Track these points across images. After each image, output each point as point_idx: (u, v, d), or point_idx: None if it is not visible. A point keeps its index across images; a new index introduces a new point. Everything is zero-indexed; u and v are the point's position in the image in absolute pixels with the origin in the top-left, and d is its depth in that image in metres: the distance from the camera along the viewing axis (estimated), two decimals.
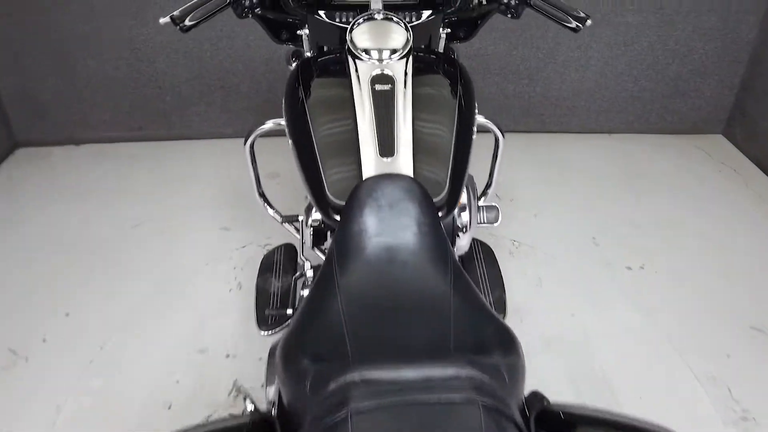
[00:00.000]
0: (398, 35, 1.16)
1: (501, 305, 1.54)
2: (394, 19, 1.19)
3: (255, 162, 1.52)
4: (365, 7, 1.27)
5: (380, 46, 1.15)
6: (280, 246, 1.66)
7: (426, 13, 1.31)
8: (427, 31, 1.36)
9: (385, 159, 1.03)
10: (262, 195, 1.61)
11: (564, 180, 2.67)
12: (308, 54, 1.42)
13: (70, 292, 1.99)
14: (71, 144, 2.89)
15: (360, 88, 1.11)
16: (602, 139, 3.03)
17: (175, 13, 1.06)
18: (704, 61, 2.83)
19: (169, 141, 2.93)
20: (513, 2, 1.16)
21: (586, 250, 2.26)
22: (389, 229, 0.93)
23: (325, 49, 1.42)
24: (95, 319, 1.89)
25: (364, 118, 1.07)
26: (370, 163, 1.02)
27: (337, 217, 0.98)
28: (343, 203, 0.97)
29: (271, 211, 1.63)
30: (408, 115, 1.09)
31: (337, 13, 1.28)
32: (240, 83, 2.80)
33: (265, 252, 2.12)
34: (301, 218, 1.62)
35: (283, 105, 1.20)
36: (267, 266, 1.60)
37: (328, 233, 1.30)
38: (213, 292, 1.98)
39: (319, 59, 1.25)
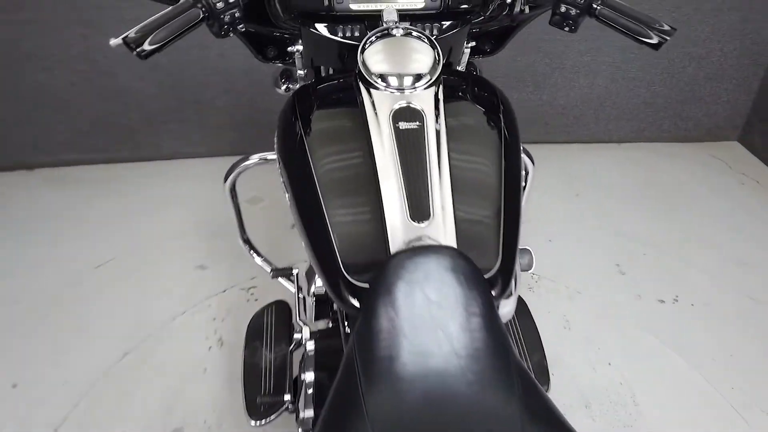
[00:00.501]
0: (424, 56, 0.89)
1: (543, 372, 1.28)
2: (415, 33, 0.91)
3: (237, 204, 1.25)
4: (374, 18, 1.00)
5: (402, 71, 0.87)
6: (270, 305, 1.38)
7: (450, 24, 1.04)
8: (447, 46, 1.09)
9: (418, 224, 0.77)
10: (247, 242, 1.33)
11: (576, 196, 2.43)
12: (301, 72, 1.15)
13: (18, 358, 1.68)
14: (23, 169, 2.55)
15: (379, 127, 0.84)
16: (611, 149, 2.80)
17: (130, 33, 0.76)
18: (722, 63, 2.61)
19: (135, 163, 2.60)
20: (572, 11, 0.90)
21: (612, 280, 2.02)
22: (432, 324, 0.69)
23: (323, 70, 1.14)
24: (48, 391, 1.57)
25: (387, 167, 0.81)
26: (399, 231, 0.77)
27: (357, 302, 0.74)
28: (366, 285, 0.73)
29: (259, 261, 1.35)
30: (444, 162, 0.83)
31: (340, 27, 1.00)
32: (216, 98, 2.49)
33: (248, 298, 1.83)
34: (296, 271, 1.34)
35: (277, 146, 0.92)
36: (255, 332, 1.32)
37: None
38: (189, 351, 1.68)
39: (319, 86, 0.97)
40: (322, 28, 1.01)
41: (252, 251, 1.35)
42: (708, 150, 2.82)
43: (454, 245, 0.78)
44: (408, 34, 0.91)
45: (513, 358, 0.70)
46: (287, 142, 0.91)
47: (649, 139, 2.85)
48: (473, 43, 1.17)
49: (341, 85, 0.96)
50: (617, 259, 2.11)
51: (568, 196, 2.43)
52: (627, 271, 2.06)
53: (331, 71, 1.11)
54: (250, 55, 1.12)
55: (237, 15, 0.85)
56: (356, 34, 1.01)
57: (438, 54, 0.89)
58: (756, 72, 2.65)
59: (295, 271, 1.32)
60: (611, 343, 1.77)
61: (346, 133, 0.88)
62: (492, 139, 0.89)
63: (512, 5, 1.03)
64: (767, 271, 2.06)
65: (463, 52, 1.15)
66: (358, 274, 0.76)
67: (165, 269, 1.99)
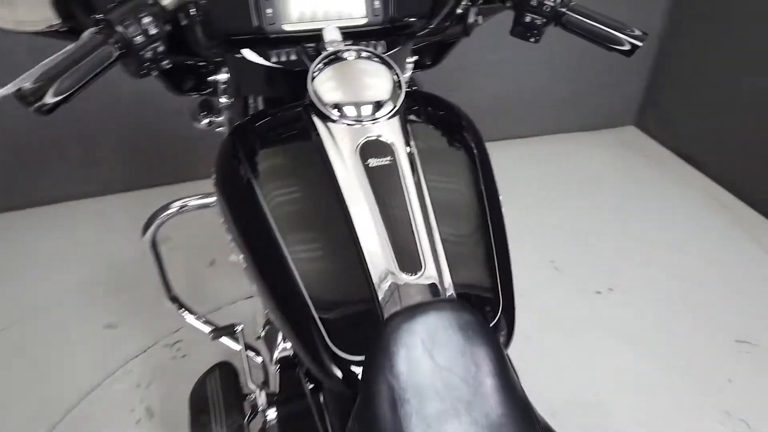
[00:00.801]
0: (383, 80, 0.77)
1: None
2: (364, 54, 0.80)
3: (160, 259, 1.07)
4: (312, 39, 0.87)
5: (361, 99, 0.75)
6: (212, 370, 1.19)
7: (396, 40, 0.94)
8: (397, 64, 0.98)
9: (409, 276, 0.66)
10: (175, 300, 1.15)
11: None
12: (224, 100, 1.00)
13: None
14: None
15: (346, 166, 0.72)
16: (522, 144, 2.84)
17: (24, 82, 0.57)
18: (615, 55, 2.71)
19: (11, 212, 2.25)
20: (537, 20, 0.82)
21: (550, 278, 2.02)
22: (446, 395, 0.59)
23: (252, 101, 0.99)
24: None
25: (362, 212, 0.69)
26: (390, 287, 0.66)
27: (350, 379, 0.63)
28: (361, 358, 0.63)
29: (193, 320, 1.17)
30: (426, 200, 0.72)
31: (274, 51, 0.86)
32: (103, 130, 2.21)
33: (174, 355, 1.62)
34: (240, 327, 1.17)
35: (219, 196, 0.77)
36: (200, 404, 1.13)
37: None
38: (114, 428, 1.44)
39: (261, 121, 0.82)
40: (251, 53, 0.86)
41: (183, 310, 1.16)
42: (609, 136, 2.95)
43: (454, 295, 0.68)
44: (361, 56, 0.80)
45: (535, 417, 0.62)
46: (234, 191, 0.76)
47: (555, 131, 2.92)
48: (415, 57, 1.07)
49: (288, 119, 0.82)
50: (550, 255, 2.12)
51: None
52: (560, 266, 2.07)
53: (261, 100, 0.96)
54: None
55: (160, 49, 0.69)
56: (292, 57, 0.87)
57: (398, 77, 0.78)
58: (645, 60, 2.79)
59: (239, 328, 1.15)
60: (561, 341, 1.76)
61: (307, 176, 0.74)
62: (468, 168, 0.80)
63: (465, 16, 0.94)
64: (682, 248, 2.16)
65: (406, 68, 1.05)
66: (349, 344, 0.64)
67: (69, 334, 1.71)
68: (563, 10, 0.80)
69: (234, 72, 0.90)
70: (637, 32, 0.80)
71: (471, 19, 0.91)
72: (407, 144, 0.75)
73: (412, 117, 0.80)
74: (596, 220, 2.32)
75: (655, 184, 2.57)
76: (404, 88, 0.77)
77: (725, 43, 2.40)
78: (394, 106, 0.76)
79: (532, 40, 0.86)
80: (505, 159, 2.66)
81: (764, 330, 1.81)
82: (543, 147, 2.82)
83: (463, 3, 0.93)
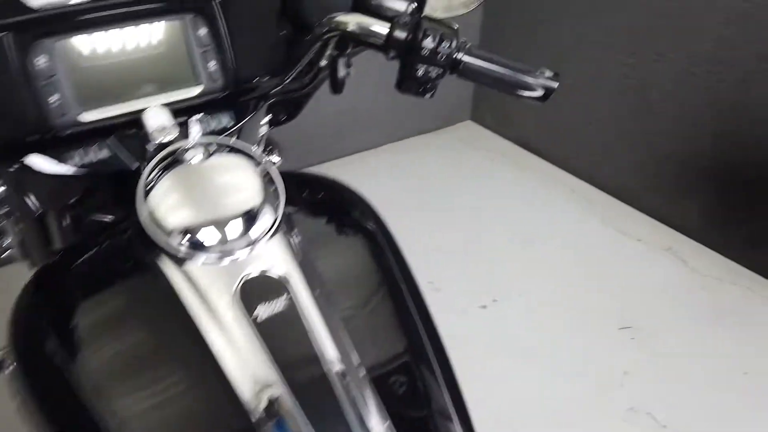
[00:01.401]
0: (248, 179, 0.55)
1: None
2: (214, 146, 0.57)
3: None
4: (131, 126, 0.61)
5: (221, 214, 0.52)
6: None
7: (244, 106, 0.71)
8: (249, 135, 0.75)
9: None
10: None
11: None
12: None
13: None
14: None
15: (222, 327, 0.48)
16: (369, 156, 2.72)
17: None
18: None
19: None
20: (432, 72, 0.64)
21: (432, 301, 1.90)
22: None
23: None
24: None
25: (262, 392, 0.47)
26: None
27: None
28: None
29: None
30: (348, 347, 0.52)
31: (73, 153, 0.58)
32: None
33: None
34: None
35: (15, 372, 0.50)
36: None
37: None
38: None
39: (75, 262, 0.56)
40: (40, 160, 0.58)
41: None
42: (448, 134, 2.94)
43: None
44: (211, 151, 0.56)
45: None
46: (39, 369, 0.49)
47: (401, 138, 2.85)
48: (268, 116, 0.85)
49: (116, 256, 0.55)
50: (427, 276, 2.00)
51: None
52: (438, 284, 1.97)
53: (68, 220, 0.67)
54: None
55: None
56: (102, 155, 0.61)
57: (271, 173, 0.56)
58: None
59: None
60: (459, 369, 1.65)
61: (164, 347, 0.50)
62: (387, 279, 0.62)
63: (333, 68, 0.73)
64: (556, 241, 2.19)
65: (260, 131, 0.82)
66: None
67: None
68: (460, 56, 0.64)
69: (20, 188, 0.61)
70: (548, 73, 0.66)
71: (341, 73, 0.71)
72: (304, 269, 0.53)
73: (303, 224, 0.58)
74: (458, 227, 2.26)
75: (500, 177, 2.59)
76: (283, 193, 0.55)
77: (538, 41, 2.49)
78: (276, 217, 0.54)
79: (428, 95, 0.68)
80: (353, 176, 2.51)
81: (639, 310, 1.87)
82: (388, 156, 2.72)
83: (328, 53, 0.73)
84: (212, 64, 0.66)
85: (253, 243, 0.51)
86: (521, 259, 2.09)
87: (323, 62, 0.74)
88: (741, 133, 1.94)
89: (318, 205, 0.69)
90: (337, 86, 0.70)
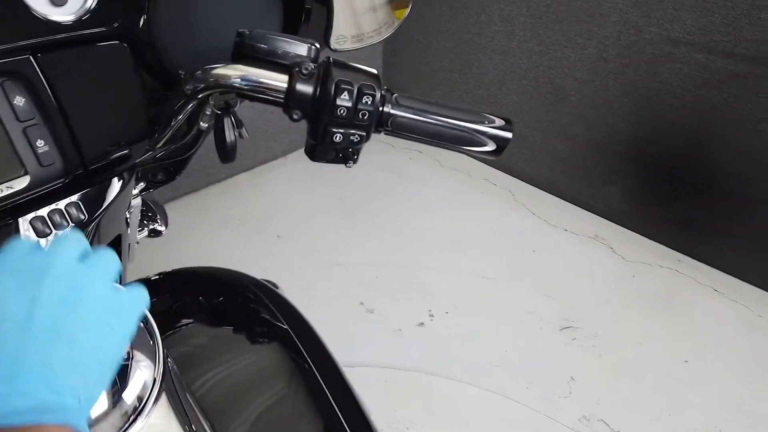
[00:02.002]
0: None
1: None
2: None
3: None
4: None
5: None
6: None
7: (105, 187, 0.54)
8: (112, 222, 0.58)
9: None
10: None
11: (277, 238, 2.08)
12: None
13: None
14: None
15: None
16: (276, 167, 2.52)
17: None
18: None
19: None
20: (353, 135, 0.48)
21: (365, 323, 1.77)
22: None
23: None
24: None
25: None
26: None
27: None
28: None
29: None
30: None
31: None
32: None
33: None
34: None
35: None
36: None
37: None
38: None
39: None
40: None
41: None
42: None
43: None
44: None
45: None
46: None
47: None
48: (141, 186, 0.67)
49: None
50: (357, 297, 1.86)
51: (267, 235, 2.06)
52: (368, 304, 1.84)
53: None
54: None
55: None
56: None
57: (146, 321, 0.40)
58: None
59: None
60: (403, 396, 1.53)
61: None
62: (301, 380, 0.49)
63: (219, 130, 0.55)
64: (483, 240, 2.10)
65: (130, 203, 0.64)
66: None
67: None
68: (387, 110, 0.49)
69: None
70: (498, 121, 0.53)
71: (230, 137, 0.53)
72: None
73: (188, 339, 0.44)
74: (381, 235, 2.12)
75: (420, 177, 2.48)
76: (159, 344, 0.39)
77: (441, 35, 2.38)
78: (154, 377, 0.38)
79: (350, 164, 0.53)
80: (264, 188, 2.33)
81: (575, 306, 1.83)
82: (299, 164, 2.54)
83: (209, 112, 0.55)
84: (40, 144, 0.47)
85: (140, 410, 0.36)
86: (452, 264, 1.99)
87: (203, 124, 0.57)
88: (654, 117, 1.93)
89: (214, 312, 0.54)
90: (225, 153, 0.53)
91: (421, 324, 1.77)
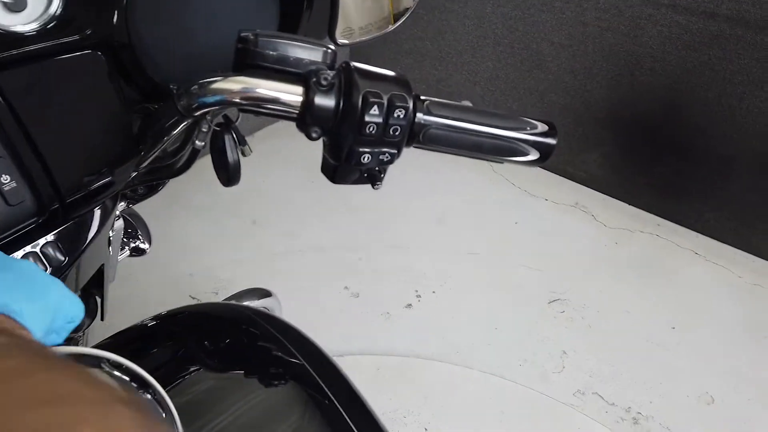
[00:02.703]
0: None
1: None
2: None
3: None
4: None
5: None
6: None
7: (82, 224, 0.45)
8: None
9: None
10: None
11: (253, 223, 1.99)
12: None
13: None
14: None
15: None
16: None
17: None
18: None
19: None
20: (383, 154, 0.41)
21: (349, 305, 1.71)
22: None
23: None
24: None
25: None
26: None
27: None
28: None
29: None
30: None
31: None
32: None
33: None
34: None
35: None
36: None
37: None
38: None
39: None
40: None
41: None
42: None
43: None
44: None
45: None
46: None
47: (273, 121, 2.55)
48: (123, 204, 0.58)
49: None
50: (342, 281, 1.80)
51: (241, 222, 1.96)
52: (359, 289, 1.78)
53: None
54: None
55: None
56: None
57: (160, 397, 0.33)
58: None
59: None
60: (402, 386, 1.50)
61: None
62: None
63: (219, 150, 0.47)
64: (465, 216, 2.06)
65: (112, 229, 0.56)
66: None
67: None
68: (421, 120, 0.42)
69: None
70: (540, 126, 0.46)
71: (231, 157, 0.45)
72: None
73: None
74: (362, 215, 2.06)
75: None
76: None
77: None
78: None
79: (377, 185, 0.46)
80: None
81: (561, 276, 1.81)
82: (266, 142, 2.43)
83: (203, 130, 0.47)
84: (6, 180, 0.39)
85: None
86: (435, 242, 1.95)
87: (199, 143, 0.49)
88: (634, 81, 1.90)
89: (221, 355, 0.47)
90: (227, 175, 0.46)
91: (409, 306, 1.73)
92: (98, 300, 0.64)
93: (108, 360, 0.37)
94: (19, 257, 0.42)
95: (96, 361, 0.37)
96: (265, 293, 0.84)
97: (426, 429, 1.40)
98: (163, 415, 0.38)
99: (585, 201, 2.12)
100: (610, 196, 2.13)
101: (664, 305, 1.75)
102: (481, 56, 2.22)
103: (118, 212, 0.58)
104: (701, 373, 1.57)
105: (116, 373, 0.37)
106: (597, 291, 1.79)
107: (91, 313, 0.64)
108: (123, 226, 0.61)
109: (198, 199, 2.03)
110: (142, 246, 0.67)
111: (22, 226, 0.42)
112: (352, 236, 1.96)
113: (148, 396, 0.38)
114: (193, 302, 1.65)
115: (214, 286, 1.71)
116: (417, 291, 1.77)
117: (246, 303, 0.79)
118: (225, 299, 0.80)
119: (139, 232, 0.67)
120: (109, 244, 0.62)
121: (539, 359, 1.58)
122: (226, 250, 1.84)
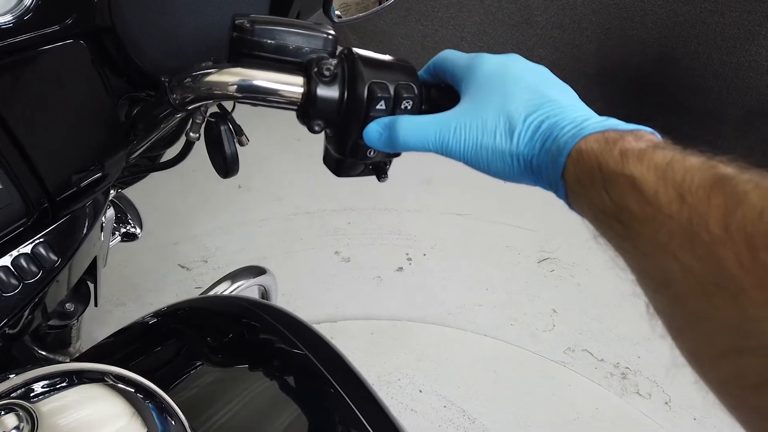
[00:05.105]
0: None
1: None
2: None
3: None
4: None
5: None
6: None
7: (74, 222, 0.43)
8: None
9: None
10: None
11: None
12: None
13: None
14: None
15: None
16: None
17: None
18: None
19: None
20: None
21: (342, 270, 1.71)
22: None
23: None
24: None
25: None
26: None
27: None
28: None
29: None
30: None
31: None
32: None
33: None
34: None
35: None
36: None
37: None
38: None
39: None
40: None
41: None
42: None
43: None
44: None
45: None
46: None
47: None
48: (112, 192, 0.56)
49: None
50: (332, 245, 1.80)
51: (226, 186, 1.93)
52: (350, 253, 1.78)
53: None
54: None
55: None
56: None
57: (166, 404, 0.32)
58: None
59: None
60: (395, 349, 1.52)
61: None
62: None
63: (216, 142, 0.44)
64: (458, 176, 2.04)
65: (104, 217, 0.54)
66: None
67: None
68: (427, 108, 0.40)
69: None
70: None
71: (228, 149, 0.43)
72: None
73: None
74: (347, 182, 2.03)
75: None
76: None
77: None
78: None
79: (383, 178, 0.44)
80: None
81: (548, 235, 1.83)
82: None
83: (197, 122, 0.44)
84: None
85: None
86: (424, 203, 1.94)
87: (193, 134, 0.46)
88: (625, 36, 1.86)
89: (223, 350, 0.46)
90: (224, 167, 0.43)
91: (400, 269, 1.73)
92: (91, 286, 0.62)
93: (111, 374, 0.36)
94: (9, 262, 0.40)
95: (99, 375, 0.36)
96: (260, 271, 0.83)
97: (421, 390, 1.43)
98: (173, 422, 0.37)
99: None
100: None
101: None
102: (467, 10, 2.16)
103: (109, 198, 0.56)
104: None
105: (120, 385, 0.36)
106: (585, 248, 1.80)
107: (84, 299, 0.62)
108: (113, 213, 0.59)
109: (181, 165, 1.98)
110: (132, 230, 0.65)
111: (10, 228, 0.39)
112: (339, 199, 1.94)
113: (154, 405, 0.37)
114: (183, 272, 1.64)
115: (203, 254, 1.69)
116: (408, 254, 1.77)
117: (242, 282, 0.78)
118: (220, 278, 0.79)
119: (129, 217, 0.65)
120: (101, 231, 0.59)
121: (530, 318, 1.61)
122: (213, 217, 1.82)
